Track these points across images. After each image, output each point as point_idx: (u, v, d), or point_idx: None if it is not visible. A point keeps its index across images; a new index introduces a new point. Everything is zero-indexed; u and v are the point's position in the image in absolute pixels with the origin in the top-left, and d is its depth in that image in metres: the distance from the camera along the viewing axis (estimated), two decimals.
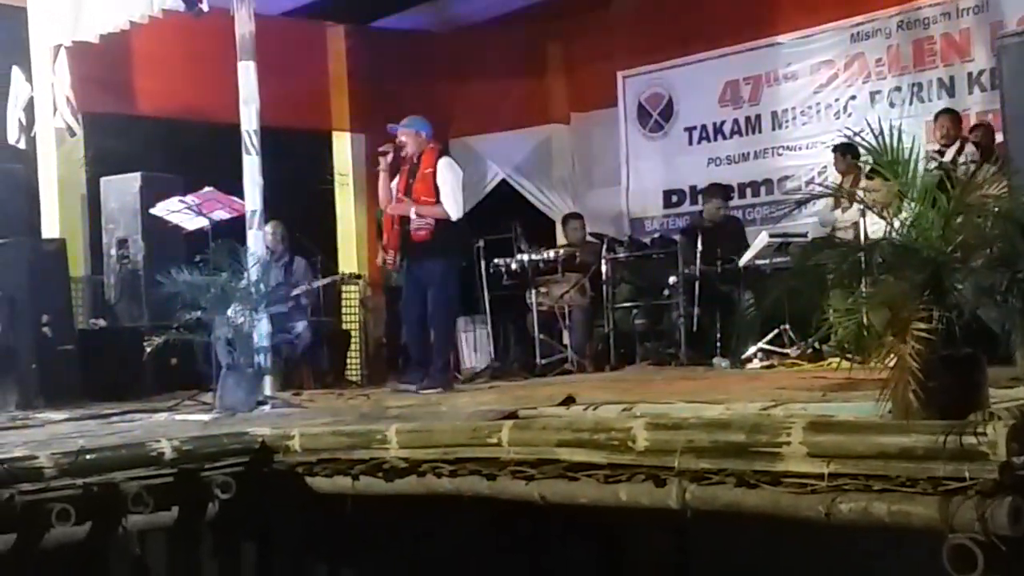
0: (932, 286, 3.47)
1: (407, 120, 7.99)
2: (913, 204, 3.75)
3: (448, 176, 7.76)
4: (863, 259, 3.95)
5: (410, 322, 8.03)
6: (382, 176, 7.99)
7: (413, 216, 7.72)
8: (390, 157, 7.94)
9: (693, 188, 10.97)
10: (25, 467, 4.33)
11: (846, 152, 8.92)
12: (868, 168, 6.28)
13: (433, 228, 7.70)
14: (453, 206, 7.73)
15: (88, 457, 4.51)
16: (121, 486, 4.49)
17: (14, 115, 9.70)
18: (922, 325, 3.41)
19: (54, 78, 9.66)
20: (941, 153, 8.39)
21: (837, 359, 7.28)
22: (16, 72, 9.68)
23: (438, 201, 7.70)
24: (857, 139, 3.93)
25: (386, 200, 7.99)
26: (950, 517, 3.18)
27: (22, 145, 9.71)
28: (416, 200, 7.73)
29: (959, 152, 8.36)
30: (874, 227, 6.92)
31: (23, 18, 9.79)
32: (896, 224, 3.81)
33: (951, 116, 8.68)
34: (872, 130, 3.76)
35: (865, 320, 3.80)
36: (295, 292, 9.46)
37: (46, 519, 4.26)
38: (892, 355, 3.53)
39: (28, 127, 9.71)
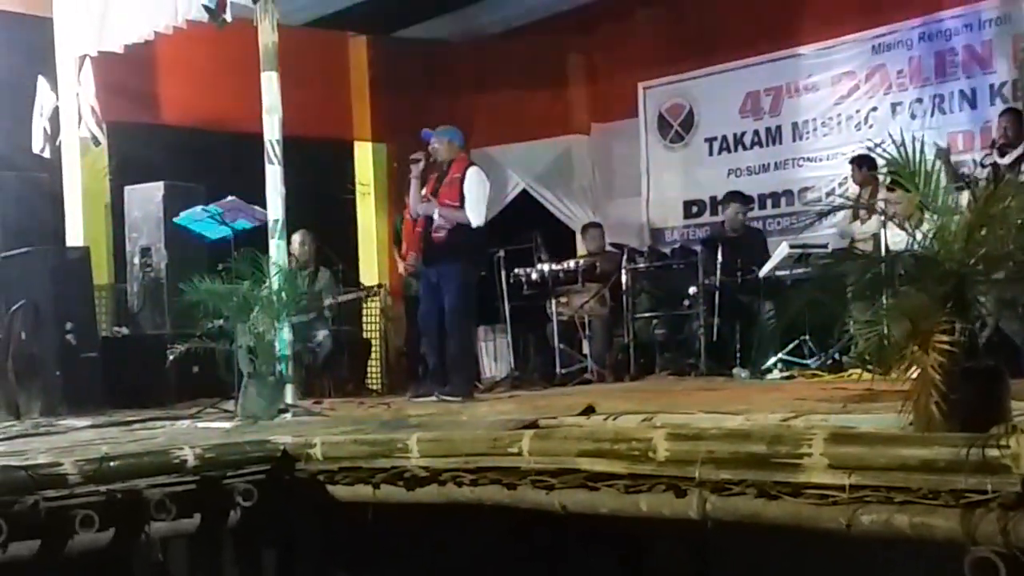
0: (954, 298, 3.47)
1: (441, 128, 8.16)
2: (935, 216, 3.76)
3: (475, 184, 7.86)
4: (884, 271, 3.94)
5: (427, 329, 8.09)
6: (413, 183, 8.10)
7: (435, 216, 7.77)
8: (422, 164, 8.07)
9: (713, 199, 10.97)
10: (49, 473, 4.35)
11: (864, 164, 8.92)
12: (889, 179, 6.31)
13: (451, 231, 7.77)
14: (475, 214, 7.80)
15: (112, 464, 4.53)
16: (144, 493, 4.51)
17: (39, 124, 9.76)
18: (944, 337, 3.41)
19: (79, 88, 9.73)
20: (1003, 153, 8.20)
21: (858, 371, 7.32)
22: (42, 82, 9.74)
23: (462, 207, 7.76)
24: (878, 150, 3.92)
25: (416, 207, 8.08)
26: (972, 530, 3.17)
27: (47, 154, 9.78)
28: (440, 203, 7.80)
29: (1022, 159, 8.17)
30: (895, 239, 6.93)
31: (49, 28, 9.87)
32: (918, 236, 3.81)
33: (1014, 116, 8.49)
34: (894, 141, 3.76)
35: (886, 332, 3.81)
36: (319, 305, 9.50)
37: (70, 525, 4.29)
38: (914, 367, 3.53)
39: (53, 136, 9.77)
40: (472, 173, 7.90)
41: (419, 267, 8.19)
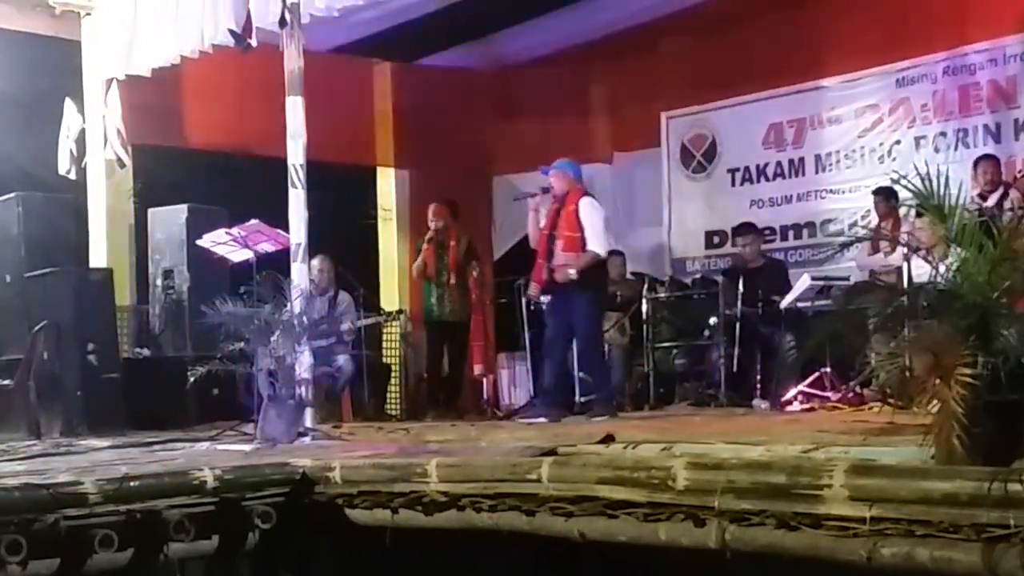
0: (978, 331, 3.46)
1: (557, 162, 8.51)
2: (959, 249, 3.75)
3: (591, 214, 8.20)
4: (907, 303, 3.94)
5: (551, 353, 8.44)
6: (532, 216, 8.53)
7: (559, 272, 8.13)
8: (539, 198, 8.47)
9: (735, 229, 10.96)
10: (70, 493, 4.37)
11: (886, 196, 8.90)
12: (912, 211, 6.30)
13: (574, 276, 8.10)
14: (599, 243, 8.19)
15: (132, 484, 4.54)
16: (163, 513, 4.51)
17: (66, 146, 9.85)
18: (967, 370, 3.40)
19: (106, 110, 9.82)
20: (983, 198, 8.35)
21: (879, 404, 7.29)
22: (69, 104, 9.84)
23: (580, 236, 8.09)
24: (903, 182, 3.92)
25: (535, 237, 8.50)
26: (994, 564, 3.14)
27: (73, 176, 9.86)
28: (560, 236, 8.15)
29: (1003, 198, 8.32)
30: (918, 271, 6.91)
31: (77, 51, 9.99)
32: (941, 268, 3.80)
33: (992, 162, 8.63)
34: (919, 173, 3.76)
35: (908, 364, 3.79)
36: (339, 329, 9.52)
37: (89, 545, 4.29)
38: (936, 400, 3.52)
39: (79, 158, 9.85)
40: (584, 204, 8.22)
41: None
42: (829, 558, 3.53)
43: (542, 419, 7.97)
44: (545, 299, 8.80)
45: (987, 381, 3.43)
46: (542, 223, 8.39)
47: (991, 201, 8.27)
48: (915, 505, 3.33)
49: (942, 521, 3.27)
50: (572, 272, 8.07)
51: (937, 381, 3.51)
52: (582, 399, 9.38)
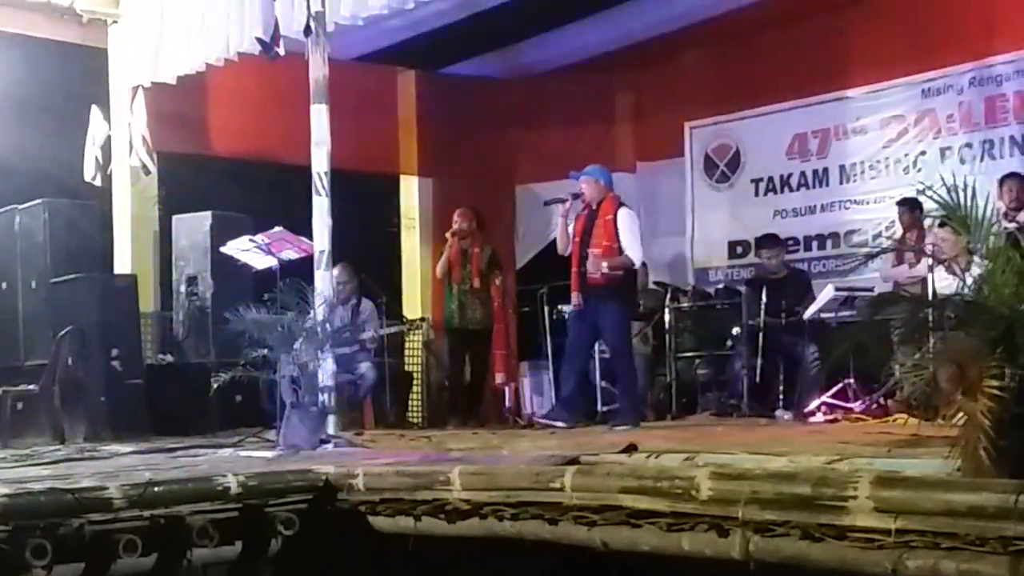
0: (1004, 343, 3.44)
1: (588, 168, 8.55)
2: (985, 261, 3.73)
3: (629, 225, 8.24)
4: (932, 314, 3.92)
5: (572, 358, 8.47)
6: (561, 222, 8.55)
7: (603, 269, 8.10)
8: (568, 204, 8.46)
9: (758, 240, 10.93)
10: (95, 497, 4.38)
11: (911, 207, 8.86)
12: (937, 221, 6.27)
13: (606, 273, 8.11)
14: (636, 253, 8.25)
15: (156, 489, 4.55)
16: (187, 519, 4.52)
17: (91, 153, 9.91)
18: (994, 382, 3.38)
19: (131, 118, 9.88)
20: (1008, 217, 8.25)
21: (903, 415, 7.26)
22: (95, 111, 9.90)
23: (618, 245, 8.12)
24: (929, 193, 3.90)
25: (564, 244, 8.53)
26: None
27: (98, 182, 9.92)
28: (596, 244, 8.13)
29: None
30: (943, 283, 6.88)
31: (103, 59, 10.05)
32: (967, 279, 3.78)
33: (1018, 180, 8.51)
34: (945, 183, 3.75)
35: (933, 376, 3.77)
36: (361, 336, 9.54)
37: (113, 549, 4.29)
38: (962, 412, 3.50)
39: (104, 165, 9.91)
40: (623, 215, 8.25)
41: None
42: (854, 570, 3.51)
43: (560, 423, 8.01)
44: (567, 308, 8.81)
45: (1014, 393, 3.41)
46: (570, 228, 8.38)
47: (1021, 217, 8.18)
48: (941, 517, 3.31)
49: (968, 534, 3.25)
50: (605, 266, 8.05)
51: (963, 393, 3.49)
52: (604, 408, 9.39)
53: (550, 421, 8.18)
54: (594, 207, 8.26)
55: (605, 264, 8.06)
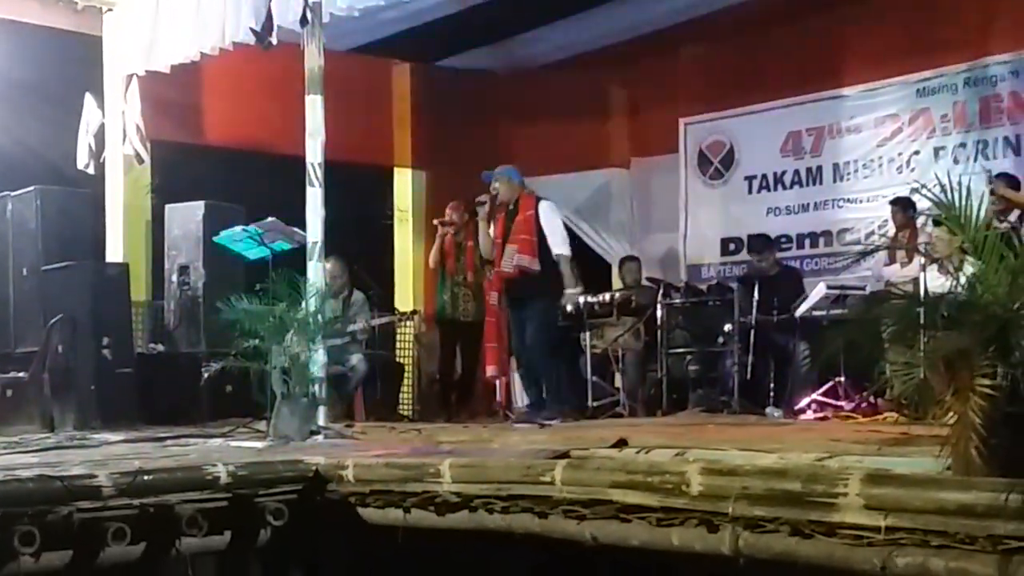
0: (997, 342, 3.44)
1: (499, 169, 8.51)
2: (978, 260, 3.73)
3: (552, 218, 8.22)
4: (924, 313, 3.92)
5: (519, 363, 8.57)
6: (481, 225, 8.53)
7: (515, 263, 8.11)
8: (487, 207, 8.40)
9: (751, 237, 10.93)
10: (84, 485, 4.38)
11: (903, 206, 8.87)
12: (930, 220, 6.28)
13: (519, 268, 8.11)
14: (561, 243, 8.19)
15: (145, 478, 4.55)
16: (176, 508, 4.52)
17: (84, 141, 9.87)
18: (986, 381, 3.38)
19: (125, 106, 9.85)
20: (999, 219, 8.26)
21: (893, 414, 7.26)
22: (89, 99, 9.87)
23: (536, 240, 8.10)
24: (923, 192, 3.90)
25: (488, 248, 8.51)
26: None
27: (91, 170, 9.88)
28: (514, 240, 8.12)
29: (1021, 218, 8.22)
30: (935, 283, 6.88)
31: (98, 47, 10.02)
32: (960, 278, 3.78)
33: (1009, 180, 8.52)
34: (940, 182, 3.75)
35: (924, 375, 3.77)
36: (351, 328, 9.53)
37: (102, 538, 4.30)
38: (953, 411, 3.50)
39: (98, 153, 9.88)
40: (544, 207, 8.22)
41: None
42: (843, 567, 3.52)
43: (529, 425, 7.89)
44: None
45: (1006, 392, 3.41)
46: (491, 231, 8.38)
47: (1013, 217, 8.18)
48: (931, 515, 3.32)
49: (958, 532, 3.25)
50: (516, 258, 8.05)
51: (954, 392, 3.49)
52: (594, 403, 9.38)
53: (519, 425, 8.11)
54: (511, 206, 8.23)
55: (515, 260, 8.05)
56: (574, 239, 11.91)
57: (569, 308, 8.57)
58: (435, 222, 10.34)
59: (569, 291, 8.27)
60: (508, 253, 8.04)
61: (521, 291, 8.17)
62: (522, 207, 8.17)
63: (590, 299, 9.56)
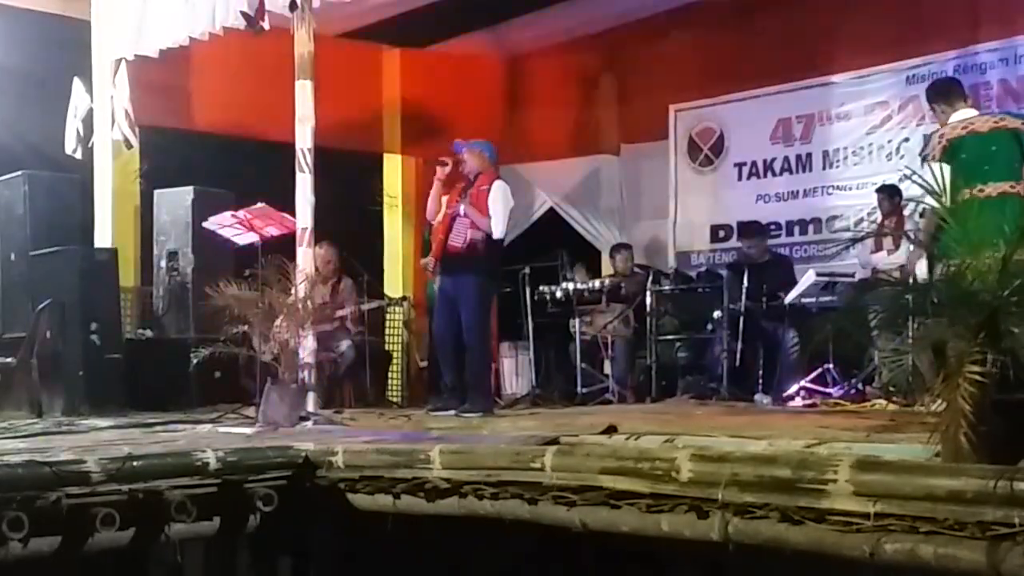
0: (987, 329, 3.44)
1: (475, 141, 8.22)
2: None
3: (499, 197, 7.87)
4: (913, 300, 3.92)
5: (442, 343, 8.08)
6: (436, 186, 8.14)
7: (460, 213, 7.78)
8: (448, 169, 8.06)
9: (741, 224, 10.95)
10: (73, 471, 4.35)
11: (890, 194, 8.89)
12: (917, 208, 6.28)
13: (470, 242, 7.78)
14: (498, 225, 7.81)
15: (134, 464, 4.53)
16: (165, 494, 4.50)
17: (73, 125, 9.80)
18: (976, 368, 3.39)
19: (114, 91, 9.77)
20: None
21: (881, 400, 7.29)
22: (77, 83, 9.80)
23: (487, 218, 7.78)
24: (914, 179, 3.91)
25: (434, 211, 8.11)
26: (998, 563, 3.13)
27: (79, 155, 9.82)
28: (468, 216, 7.80)
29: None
30: (921, 270, 6.89)
31: (86, 30, 9.94)
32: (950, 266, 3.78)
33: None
34: (932, 170, 3.75)
35: (913, 362, 3.78)
36: (339, 313, 9.52)
37: (91, 523, 4.28)
38: (942, 398, 3.51)
39: (86, 138, 9.82)
40: (497, 186, 7.93)
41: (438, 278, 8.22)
42: (832, 553, 3.53)
43: (446, 413, 7.64)
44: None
45: (996, 379, 3.42)
46: (444, 199, 8.04)
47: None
48: (920, 502, 3.32)
49: (947, 518, 3.26)
50: (477, 235, 7.74)
51: (944, 379, 3.50)
52: (584, 389, 9.40)
53: (438, 412, 7.77)
54: (471, 178, 7.98)
55: (463, 208, 7.76)
56: (563, 226, 12.05)
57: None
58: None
59: None
60: (459, 226, 7.81)
61: (458, 266, 7.85)
62: (479, 181, 7.92)
63: (580, 285, 9.59)
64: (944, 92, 6.76)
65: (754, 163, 11.14)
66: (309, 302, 7.06)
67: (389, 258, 12.00)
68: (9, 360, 8.41)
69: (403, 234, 11.89)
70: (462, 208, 7.82)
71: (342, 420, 7.25)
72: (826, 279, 8.63)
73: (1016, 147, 5.97)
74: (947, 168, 5.42)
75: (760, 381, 8.75)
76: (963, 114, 6.44)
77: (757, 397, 8.58)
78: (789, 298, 8.77)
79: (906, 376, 3.84)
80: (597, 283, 9.71)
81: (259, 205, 8.18)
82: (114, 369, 8.34)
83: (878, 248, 8.85)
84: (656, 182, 11.80)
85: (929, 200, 4.01)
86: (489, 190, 7.86)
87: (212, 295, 6.92)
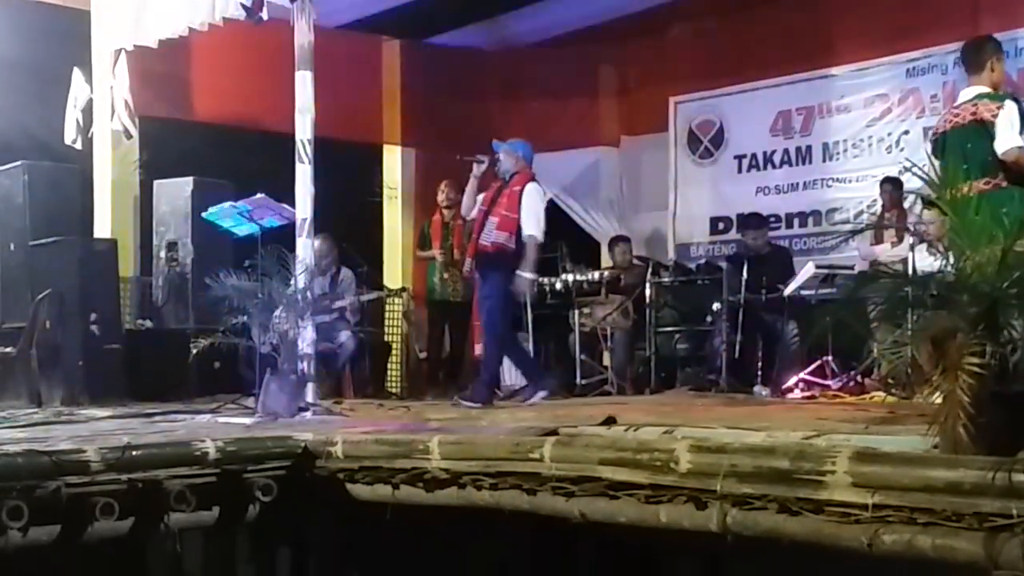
0: (986, 321, 3.45)
1: (511, 140, 8.28)
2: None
3: (534, 197, 7.96)
4: (913, 292, 3.93)
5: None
6: (472, 183, 8.24)
7: (492, 238, 7.88)
8: (484, 167, 8.16)
9: (740, 216, 10.95)
10: (72, 460, 4.36)
11: (894, 186, 8.89)
12: (918, 201, 6.28)
13: (498, 243, 7.86)
14: (534, 226, 7.88)
15: (134, 453, 4.54)
16: (165, 484, 4.52)
17: (72, 116, 9.81)
18: (974, 360, 3.39)
19: (113, 81, 9.77)
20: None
21: (880, 392, 7.29)
22: (77, 74, 9.80)
23: (516, 217, 7.84)
24: (915, 171, 3.90)
25: (469, 207, 8.27)
26: (996, 554, 3.14)
27: (79, 146, 9.83)
28: (496, 214, 7.89)
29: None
30: (921, 263, 6.90)
31: (86, 21, 9.93)
32: (950, 257, 3.78)
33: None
34: (932, 162, 3.75)
35: (912, 354, 3.77)
36: (338, 304, 9.53)
37: (90, 512, 4.29)
38: (941, 390, 3.51)
39: (85, 128, 9.82)
40: (531, 187, 7.99)
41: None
42: (830, 544, 3.53)
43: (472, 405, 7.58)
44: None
45: (994, 371, 3.42)
46: (480, 196, 8.16)
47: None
48: (918, 493, 3.32)
49: (944, 510, 3.26)
50: (501, 236, 7.82)
51: (943, 371, 3.50)
52: (583, 381, 9.41)
53: (466, 404, 7.67)
54: (507, 179, 8.05)
55: (495, 233, 7.84)
56: (563, 218, 12.04)
57: (520, 291, 8.12)
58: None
59: (525, 274, 7.98)
60: (489, 226, 7.94)
61: (487, 265, 7.97)
62: (514, 181, 8.01)
63: (579, 277, 9.59)
64: (964, 61, 6.65)
65: (754, 155, 11.15)
66: (308, 293, 7.06)
67: (388, 249, 11.99)
68: (8, 350, 8.41)
69: (402, 225, 11.88)
70: (493, 237, 7.85)
71: (341, 411, 7.25)
72: (825, 271, 8.63)
73: (988, 141, 5.92)
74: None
75: (759, 373, 8.76)
76: (966, 93, 6.37)
77: (756, 389, 8.59)
78: (788, 290, 8.76)
79: (905, 368, 3.83)
80: (596, 275, 9.72)
81: (258, 196, 8.17)
82: (113, 359, 8.35)
83: (878, 241, 8.85)
84: (656, 174, 11.80)
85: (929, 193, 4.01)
86: (522, 191, 7.93)
87: (211, 286, 6.92)
